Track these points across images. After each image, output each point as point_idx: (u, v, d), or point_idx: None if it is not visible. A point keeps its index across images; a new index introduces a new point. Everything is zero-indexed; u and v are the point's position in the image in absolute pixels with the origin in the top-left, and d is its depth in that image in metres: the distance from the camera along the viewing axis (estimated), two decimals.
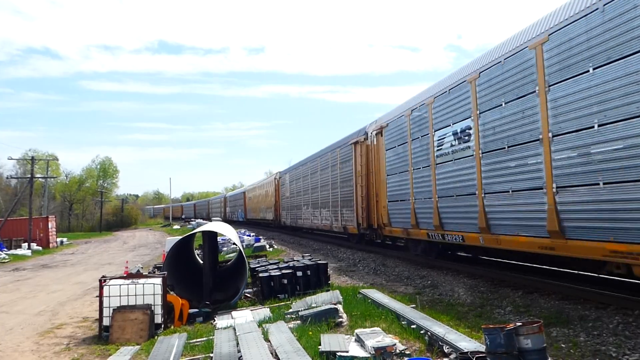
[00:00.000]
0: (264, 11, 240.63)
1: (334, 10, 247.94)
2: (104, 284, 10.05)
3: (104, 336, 9.57)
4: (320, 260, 13.10)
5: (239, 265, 14.35)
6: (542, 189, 8.73)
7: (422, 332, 7.02)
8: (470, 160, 11.08)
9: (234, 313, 10.34)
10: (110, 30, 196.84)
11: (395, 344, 6.50)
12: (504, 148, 9.82)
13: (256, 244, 24.66)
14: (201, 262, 15.46)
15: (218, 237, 18.62)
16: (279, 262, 13.77)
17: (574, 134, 7.97)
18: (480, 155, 10.65)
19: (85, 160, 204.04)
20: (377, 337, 6.76)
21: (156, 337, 9.21)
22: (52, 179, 70.53)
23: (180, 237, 14.28)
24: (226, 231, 15.61)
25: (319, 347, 6.79)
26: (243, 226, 51.36)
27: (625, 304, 7.90)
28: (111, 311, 9.64)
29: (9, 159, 65.56)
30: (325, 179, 24.35)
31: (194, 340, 8.54)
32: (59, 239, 44.06)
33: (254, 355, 6.81)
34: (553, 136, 8.40)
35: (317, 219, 26.07)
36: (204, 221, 53.52)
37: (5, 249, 34.59)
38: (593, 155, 7.55)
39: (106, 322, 9.65)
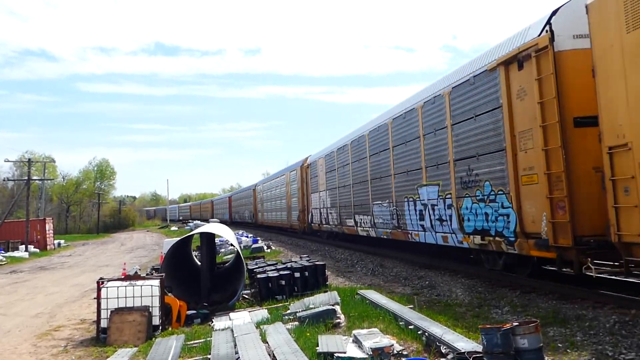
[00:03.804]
0: (260, 13, 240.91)
1: (330, 11, 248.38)
2: (101, 285, 10.05)
3: (101, 338, 9.57)
4: (318, 261, 13.11)
5: (237, 267, 14.34)
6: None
7: (419, 332, 7.03)
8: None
9: (231, 314, 10.34)
10: (106, 32, 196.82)
11: (392, 345, 6.51)
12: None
13: (254, 245, 24.65)
14: (199, 263, 15.46)
15: (216, 239, 18.61)
16: (276, 263, 13.76)
17: None
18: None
19: (81, 161, 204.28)
20: (375, 338, 6.77)
21: (154, 338, 9.20)
22: (49, 181, 70.35)
23: (178, 239, 14.28)
24: (224, 232, 15.61)
25: (317, 348, 6.79)
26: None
27: (621, 304, 7.94)
28: (109, 313, 9.63)
29: (5, 161, 65.10)
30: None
31: (192, 342, 8.54)
32: (56, 241, 43.95)
33: (251, 357, 6.82)
34: None
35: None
36: (202, 223, 53.23)
37: (3, 251, 34.52)
38: None
39: (104, 324, 9.64)
